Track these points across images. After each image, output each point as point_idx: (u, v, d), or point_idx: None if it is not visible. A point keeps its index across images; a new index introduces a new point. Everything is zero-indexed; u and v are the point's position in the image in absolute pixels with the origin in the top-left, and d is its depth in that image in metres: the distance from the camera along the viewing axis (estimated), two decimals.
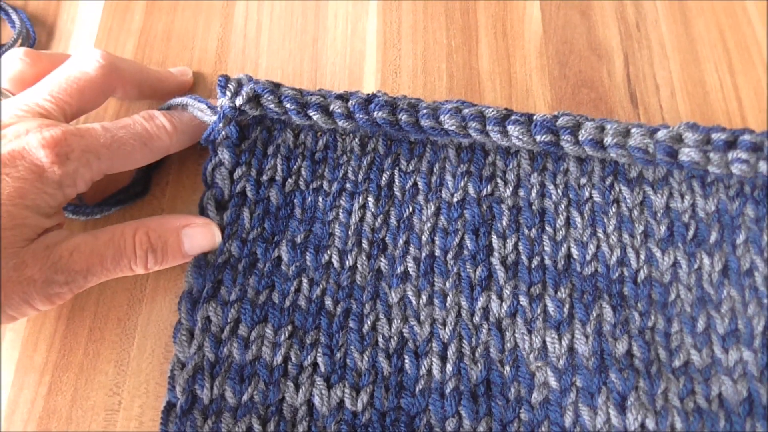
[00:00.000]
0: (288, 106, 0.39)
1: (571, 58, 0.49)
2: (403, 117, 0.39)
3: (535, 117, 0.40)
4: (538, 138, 0.40)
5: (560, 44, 0.50)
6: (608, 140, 0.40)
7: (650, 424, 0.36)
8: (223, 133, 0.39)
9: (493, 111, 0.40)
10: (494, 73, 0.49)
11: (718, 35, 0.50)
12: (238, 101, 0.39)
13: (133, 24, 0.51)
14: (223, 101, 0.39)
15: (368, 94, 0.40)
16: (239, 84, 0.39)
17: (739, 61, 0.49)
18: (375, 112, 0.39)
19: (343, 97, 0.40)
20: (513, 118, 0.40)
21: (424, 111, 0.39)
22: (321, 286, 0.38)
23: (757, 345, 0.38)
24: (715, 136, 0.40)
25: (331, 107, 0.39)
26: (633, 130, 0.40)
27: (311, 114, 0.39)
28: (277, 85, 0.40)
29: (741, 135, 0.40)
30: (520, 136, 0.39)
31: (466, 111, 0.40)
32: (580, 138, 0.40)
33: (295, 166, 0.42)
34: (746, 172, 0.39)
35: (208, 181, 0.39)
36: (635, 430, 0.35)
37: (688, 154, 0.39)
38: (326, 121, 0.39)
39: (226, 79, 0.39)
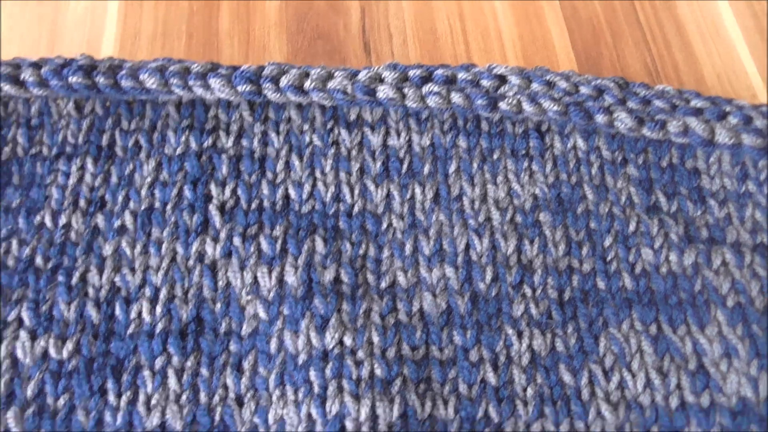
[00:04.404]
0: None
1: (309, 14, 0.53)
2: (101, 80, 0.42)
3: (240, 68, 0.43)
4: (239, 88, 0.43)
5: (299, 2, 0.53)
6: (309, 85, 0.43)
7: (348, 340, 0.39)
8: None
9: (197, 66, 0.43)
10: (233, 32, 0.52)
11: None
12: None
13: None
14: None
15: (65, 59, 0.42)
16: None
17: (469, 7, 0.54)
18: (70, 77, 0.41)
19: (37, 65, 0.42)
20: (217, 71, 0.43)
21: (124, 72, 0.42)
22: (31, 245, 0.40)
23: (459, 262, 0.42)
24: (412, 72, 0.44)
25: (22, 76, 0.41)
26: (336, 73, 0.44)
27: (1, 85, 0.41)
28: None
29: (435, 70, 0.44)
30: (222, 88, 0.43)
31: (170, 68, 0.43)
32: (281, 85, 0.43)
33: (9, 135, 0.43)
34: (440, 104, 0.44)
35: None
36: (333, 347, 0.39)
37: (384, 92, 0.43)
38: (18, 91, 0.41)
39: None
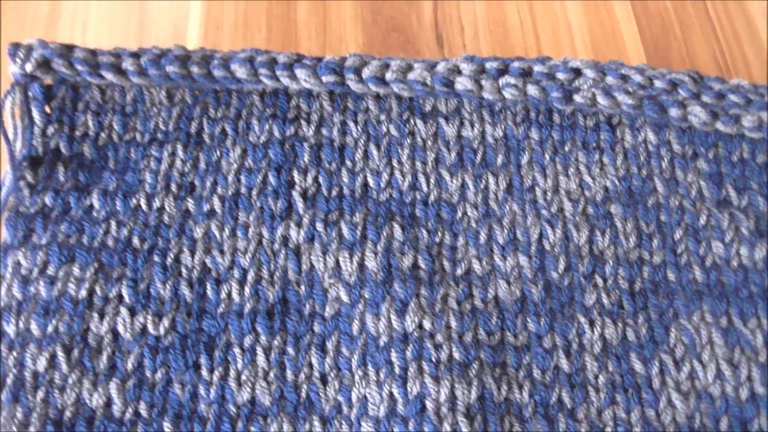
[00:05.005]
0: (80, 68, 0.43)
1: (383, 6, 0.54)
2: (195, 70, 0.44)
3: (325, 59, 0.45)
4: (324, 79, 0.44)
5: None
6: (390, 76, 0.45)
7: (427, 324, 0.41)
8: (16, 97, 0.43)
9: (283, 57, 0.45)
10: (310, 23, 0.54)
11: None
12: (29, 68, 0.43)
13: None
14: (13, 68, 0.43)
15: (162, 50, 0.44)
16: (29, 50, 0.43)
17: (540, 1, 0.55)
18: (167, 67, 0.44)
19: (137, 55, 0.44)
20: (303, 62, 0.45)
21: (216, 62, 0.44)
22: (128, 226, 0.43)
23: (532, 251, 0.44)
24: (488, 65, 0.45)
25: (123, 65, 0.44)
26: (415, 65, 0.45)
27: (103, 74, 0.43)
28: (69, 48, 0.44)
29: (511, 63, 0.46)
30: (308, 78, 0.44)
31: (258, 59, 0.45)
32: (363, 76, 0.45)
33: (106, 121, 0.46)
34: (516, 96, 0.45)
35: (8, 137, 0.43)
36: (413, 330, 0.41)
37: (462, 83, 0.45)
38: (120, 80, 0.43)
39: (15, 46, 0.43)
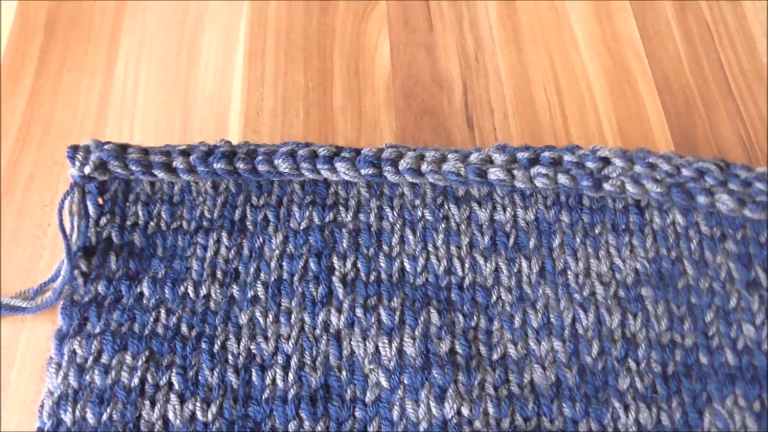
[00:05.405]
0: (133, 168, 0.46)
1: (415, 90, 0.57)
2: (241, 165, 0.47)
3: (363, 152, 0.48)
4: (363, 171, 0.47)
5: (406, 78, 0.58)
6: (425, 167, 0.47)
7: (465, 411, 0.42)
8: (76, 196, 0.46)
9: (323, 150, 0.47)
10: (346, 109, 0.56)
11: (548, 61, 0.58)
12: (87, 170, 0.46)
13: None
14: (72, 171, 0.46)
15: (209, 146, 0.47)
16: (87, 152, 0.46)
17: (566, 82, 0.57)
18: (215, 164, 0.46)
19: (186, 152, 0.47)
20: (342, 155, 0.47)
21: (260, 157, 0.47)
22: (177, 314, 0.45)
23: (566, 335, 0.45)
24: (520, 155, 0.47)
25: (174, 164, 0.46)
26: (449, 156, 0.48)
27: (155, 173, 0.46)
28: (124, 148, 0.47)
29: (542, 152, 0.48)
30: (347, 171, 0.47)
31: (300, 152, 0.47)
32: (400, 168, 0.47)
33: (155, 211, 0.49)
34: (547, 185, 0.47)
35: (65, 230, 0.46)
36: (452, 417, 0.42)
37: (495, 173, 0.47)
38: (171, 177, 0.46)
39: (74, 149, 0.46)
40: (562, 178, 0.47)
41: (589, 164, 0.48)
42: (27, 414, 0.44)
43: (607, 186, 0.47)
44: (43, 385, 0.44)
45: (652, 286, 0.47)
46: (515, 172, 0.47)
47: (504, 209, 0.50)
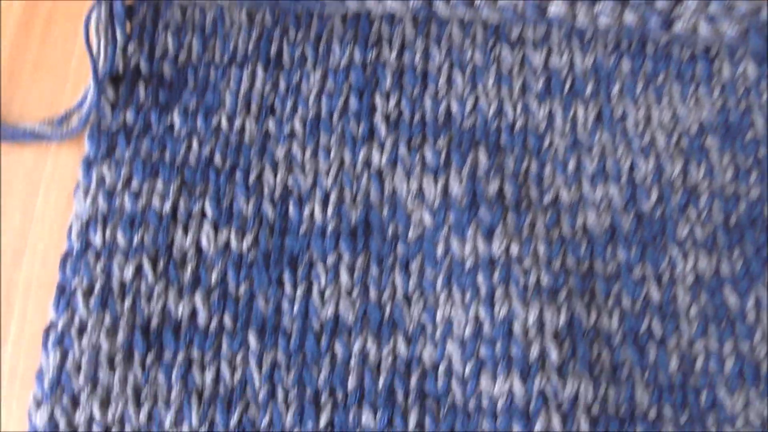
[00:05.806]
0: None
1: None
2: None
3: None
4: (411, 3, 0.43)
5: None
6: (479, 2, 0.43)
7: (514, 249, 0.40)
8: (103, 15, 0.43)
9: None
10: None
11: None
12: None
13: None
14: None
15: None
16: None
17: None
18: None
19: None
20: None
21: None
22: (210, 145, 0.43)
23: (623, 182, 0.42)
24: None
25: None
26: None
27: None
28: None
29: None
30: (393, 1, 0.43)
31: None
32: None
33: (186, 41, 0.46)
34: (611, 23, 0.43)
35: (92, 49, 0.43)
36: (500, 255, 0.40)
37: (555, 8, 0.43)
38: None
39: None
40: (629, 16, 0.44)
41: (660, 1, 0.44)
42: (54, 238, 0.42)
43: (677, 26, 0.43)
44: (69, 213, 0.42)
45: (719, 136, 0.44)
46: (578, 7, 0.44)
47: (560, 54, 0.46)
